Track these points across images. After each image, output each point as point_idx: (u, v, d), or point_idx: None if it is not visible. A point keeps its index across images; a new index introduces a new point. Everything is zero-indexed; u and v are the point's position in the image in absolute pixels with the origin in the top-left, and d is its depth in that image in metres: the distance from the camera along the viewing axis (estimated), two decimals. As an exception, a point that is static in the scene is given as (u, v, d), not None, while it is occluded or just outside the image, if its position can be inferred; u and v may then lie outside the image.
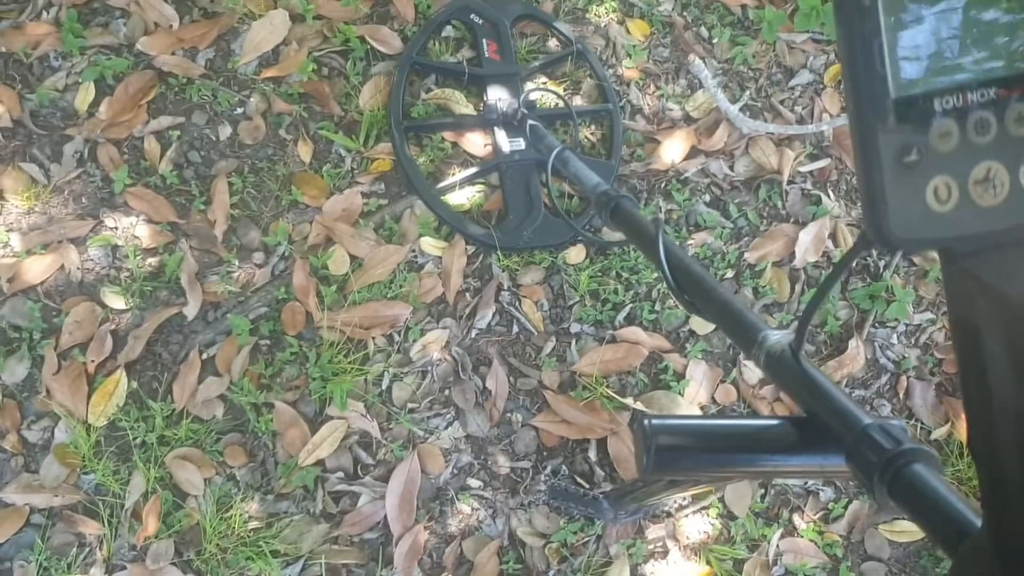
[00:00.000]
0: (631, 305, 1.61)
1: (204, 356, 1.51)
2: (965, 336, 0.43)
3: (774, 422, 0.68)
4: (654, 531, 1.47)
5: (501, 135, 1.67)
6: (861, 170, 0.40)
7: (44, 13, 1.69)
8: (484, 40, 1.76)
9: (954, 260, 0.41)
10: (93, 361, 1.47)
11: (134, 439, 1.44)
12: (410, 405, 1.52)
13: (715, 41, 1.87)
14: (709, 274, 0.84)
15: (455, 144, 1.70)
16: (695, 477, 0.76)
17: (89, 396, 1.45)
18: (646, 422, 0.63)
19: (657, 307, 1.62)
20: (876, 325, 1.64)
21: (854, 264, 1.68)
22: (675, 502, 1.48)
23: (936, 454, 0.56)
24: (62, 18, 1.67)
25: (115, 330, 1.51)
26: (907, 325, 1.65)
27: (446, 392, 1.54)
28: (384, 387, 1.52)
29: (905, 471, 0.54)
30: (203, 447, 1.45)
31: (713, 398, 1.57)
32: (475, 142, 1.71)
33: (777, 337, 0.70)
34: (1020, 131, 0.39)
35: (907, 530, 1.52)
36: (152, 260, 1.56)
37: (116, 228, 1.58)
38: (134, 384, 1.48)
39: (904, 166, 0.39)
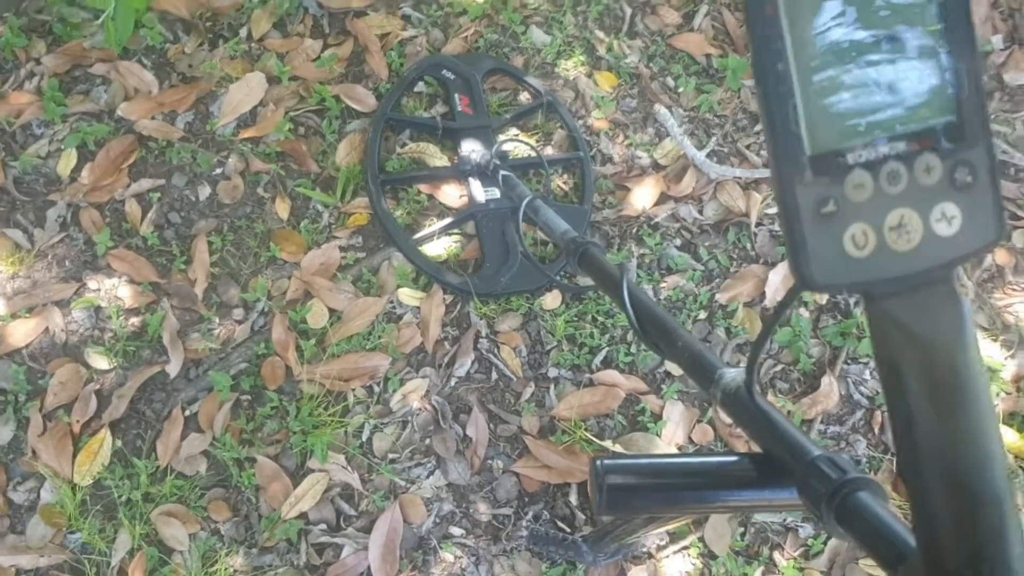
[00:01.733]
0: (607, 348, 1.64)
1: (187, 413, 1.52)
2: (887, 373, 0.46)
3: (728, 458, 0.71)
4: (635, 573, 1.48)
5: (476, 185, 1.72)
6: (783, 220, 0.43)
7: (26, 83, 1.73)
8: (456, 95, 1.81)
9: (874, 301, 0.44)
10: (78, 421, 1.49)
11: (119, 497, 1.45)
12: (391, 455, 1.54)
13: (681, 90, 1.92)
14: (671, 317, 0.87)
15: (431, 196, 1.74)
16: (650, 514, 0.78)
17: (74, 456, 1.47)
18: (597, 462, 0.65)
19: (633, 350, 1.64)
20: (848, 361, 1.66)
21: (822, 303, 1.72)
22: (655, 543, 1.50)
23: (879, 483, 0.58)
24: (44, 87, 1.72)
25: (99, 390, 1.53)
26: (879, 359, 1.67)
27: (427, 441, 1.56)
28: (365, 438, 1.54)
29: (851, 499, 0.56)
30: (187, 503, 1.46)
31: (690, 438, 1.59)
32: (450, 193, 1.75)
33: (733, 375, 0.73)
34: (929, 180, 0.42)
35: (889, 563, 1.53)
36: (135, 320, 1.59)
37: (99, 290, 1.60)
38: (119, 442, 1.49)
39: (822, 216, 0.42)
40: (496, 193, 1.70)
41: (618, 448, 1.56)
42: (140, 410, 1.52)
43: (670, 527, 1.44)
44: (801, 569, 1.52)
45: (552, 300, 1.66)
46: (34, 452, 1.47)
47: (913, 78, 0.42)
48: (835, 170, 0.41)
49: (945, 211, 0.42)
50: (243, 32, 1.86)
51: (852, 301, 1.72)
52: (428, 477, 1.53)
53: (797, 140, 0.41)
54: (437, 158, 1.77)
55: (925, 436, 0.44)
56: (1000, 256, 1.79)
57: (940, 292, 0.43)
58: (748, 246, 1.76)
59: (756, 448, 0.69)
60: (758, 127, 1.90)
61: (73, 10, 1.79)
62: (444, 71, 1.84)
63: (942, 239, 0.42)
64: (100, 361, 1.54)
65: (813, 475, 0.59)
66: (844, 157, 0.41)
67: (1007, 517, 0.44)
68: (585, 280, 1.66)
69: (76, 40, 1.77)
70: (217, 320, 1.60)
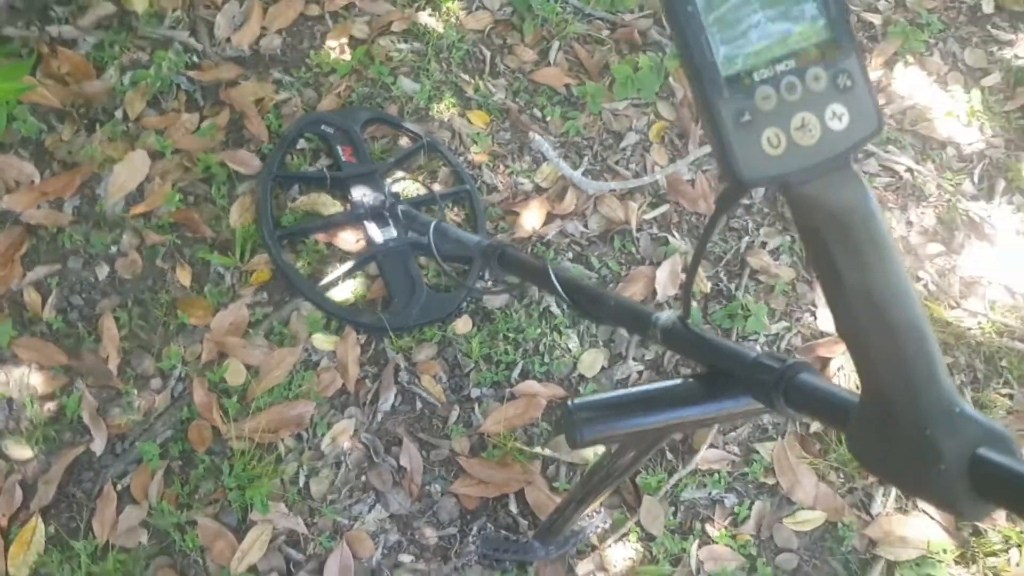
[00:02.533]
0: (522, 362, 1.72)
1: (118, 488, 1.51)
2: (813, 244, 0.56)
3: (681, 381, 0.80)
4: (583, 566, 1.55)
5: (372, 227, 1.78)
6: (711, 133, 0.53)
7: (-101, 188, 1.70)
8: (339, 146, 1.88)
9: (791, 187, 0.54)
10: (4, 515, 1.45)
11: (59, 584, 1.42)
12: (330, 496, 1.56)
13: (548, 119, 2.06)
14: (598, 285, 0.97)
15: (329, 244, 1.80)
16: (622, 440, 0.85)
17: (6, 549, 1.43)
18: (569, 403, 0.73)
19: (546, 359, 1.73)
20: (739, 339, 1.80)
21: (707, 292, 1.86)
22: (596, 534, 1.57)
23: (813, 365, 0.68)
24: (-81, 189, 1.69)
25: (22, 480, 1.49)
26: (766, 335, 1.82)
27: (363, 478, 1.59)
28: (302, 484, 1.56)
29: (795, 381, 0.66)
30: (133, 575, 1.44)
31: (612, 432, 1.68)
32: (348, 239, 1.81)
33: (667, 315, 0.83)
34: (819, 87, 0.53)
35: (808, 519, 1.65)
36: (50, 405, 1.57)
37: (7, 381, 1.58)
38: (52, 528, 1.46)
39: (741, 124, 0.52)
40: (393, 232, 1.78)
41: (548, 452, 1.63)
42: (70, 492, 1.50)
43: (602, 498, 1.52)
44: (733, 536, 1.62)
45: (463, 325, 1.74)
46: (-40, 555, 1.42)
47: (793, 9, 0.53)
48: (745, 87, 0.52)
49: (835, 111, 0.53)
50: (118, 114, 1.88)
51: (732, 286, 1.87)
52: (370, 512, 1.56)
53: (713, 66, 0.51)
54: (330, 207, 1.83)
55: (852, 287, 0.54)
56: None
57: (844, 174, 0.54)
58: (633, 250, 1.89)
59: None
60: (623, 144, 2.05)
61: (-61, 111, 1.78)
62: (323, 126, 1.91)
63: (836, 133, 0.53)
64: (20, 451, 1.51)
65: (757, 371, 0.69)
66: (751, 76, 0.52)
67: (929, 344, 0.54)
68: (492, 300, 1.75)
69: (-54, 140, 1.76)
70: (136, 392, 1.60)
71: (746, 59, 0.52)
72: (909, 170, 2.08)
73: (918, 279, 1.92)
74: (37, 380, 1.58)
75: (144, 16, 1.99)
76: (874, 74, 2.23)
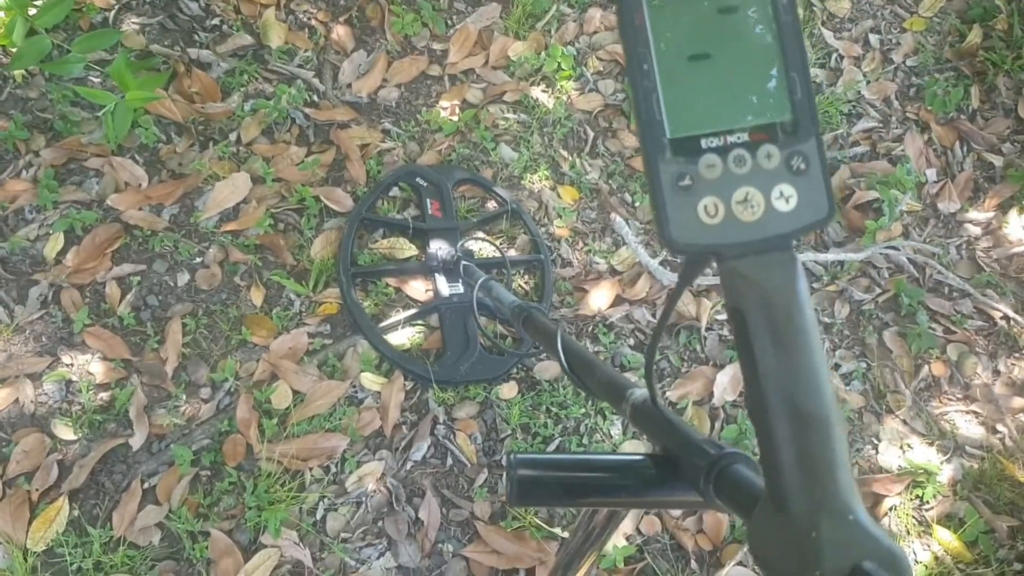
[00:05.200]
0: (560, 439, 1.70)
1: (145, 485, 1.56)
2: (736, 320, 0.54)
3: (633, 457, 0.77)
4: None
5: (441, 280, 1.82)
6: (650, 192, 0.52)
7: (24, 172, 1.85)
8: (428, 199, 1.94)
9: (724, 260, 0.53)
10: (37, 489, 1.52)
11: (71, 564, 1.47)
12: (343, 535, 1.57)
13: (637, 205, 2.06)
14: (598, 359, 0.96)
15: (398, 289, 1.84)
16: (556, 506, 0.82)
17: (30, 522, 1.49)
18: (511, 455, 0.72)
19: (585, 440, 1.70)
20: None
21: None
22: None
23: (750, 455, 0.65)
24: (39, 176, 1.83)
25: (62, 460, 1.56)
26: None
27: (379, 523, 1.59)
28: (319, 516, 1.57)
29: (727, 471, 0.63)
30: (137, 573, 1.48)
31: (639, 529, 1.63)
32: (417, 287, 1.84)
33: (640, 392, 0.81)
34: (769, 165, 0.51)
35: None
36: (104, 394, 1.64)
37: (72, 365, 1.67)
38: (76, 511, 1.52)
39: (680, 188, 0.51)
40: (460, 288, 1.80)
41: (567, 535, 1.59)
42: (100, 481, 1.56)
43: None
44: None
45: (509, 390, 1.73)
46: (-9, 518, 1.49)
47: (756, 82, 0.52)
48: (691, 152, 0.50)
49: (783, 191, 0.51)
50: (232, 136, 1.99)
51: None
52: (379, 558, 1.56)
53: (660, 126, 0.51)
54: (406, 254, 1.88)
55: (766, 371, 0.52)
56: (936, 367, 1.89)
57: (780, 256, 0.52)
58: (698, 348, 1.85)
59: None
60: (710, 241, 2.02)
61: (75, 109, 1.93)
62: (418, 178, 1.97)
63: (781, 214, 0.51)
64: (66, 432, 1.59)
65: (695, 456, 0.66)
66: (698, 142, 0.51)
67: (836, 444, 0.51)
68: (543, 372, 1.74)
69: (75, 136, 1.90)
70: (184, 398, 1.66)
71: (696, 124, 0.51)
72: (1006, 318, 1.97)
73: (995, 431, 1.80)
74: (98, 368, 1.66)
75: (277, 51, 2.13)
76: (984, 215, 2.15)
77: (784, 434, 0.52)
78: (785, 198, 0.51)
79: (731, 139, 0.51)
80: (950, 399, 1.86)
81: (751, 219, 0.51)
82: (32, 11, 1.82)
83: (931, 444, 1.79)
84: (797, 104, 0.52)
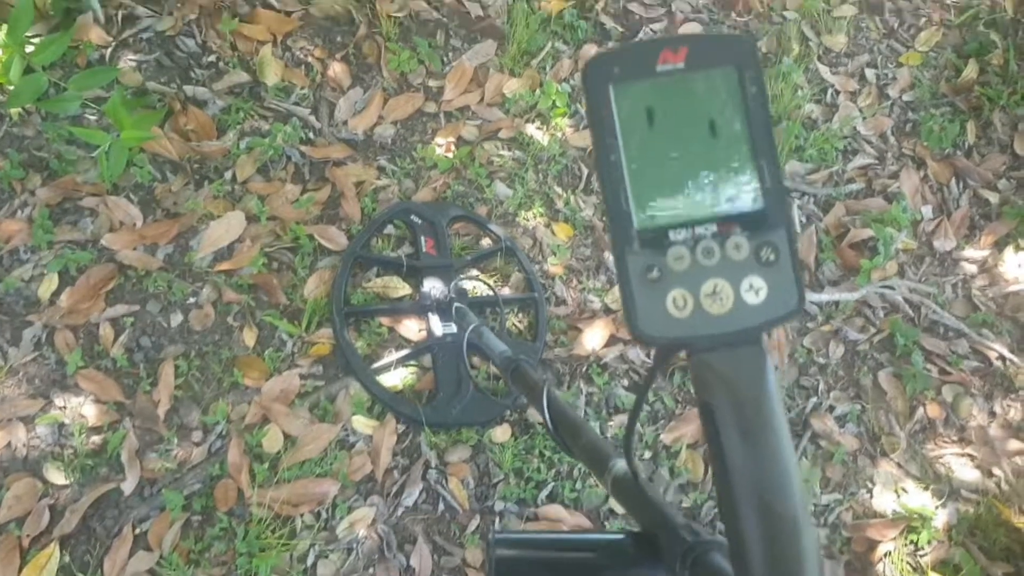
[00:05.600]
0: (553, 483, 1.69)
1: (137, 531, 1.55)
2: (705, 415, 0.53)
3: (614, 536, 0.76)
4: None
5: (435, 320, 1.81)
6: (619, 283, 0.51)
7: (19, 212, 1.85)
8: (423, 237, 1.94)
9: (693, 354, 0.52)
10: (28, 535, 1.52)
11: (58, 613, 1.47)
12: (335, 581, 1.56)
13: (633, 242, 2.05)
14: (584, 421, 0.95)
15: (392, 328, 1.84)
16: None
17: (20, 569, 1.48)
18: (491, 534, 0.72)
19: (578, 485, 1.70)
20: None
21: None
22: None
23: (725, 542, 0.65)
24: (35, 216, 1.83)
25: (53, 505, 1.56)
26: (815, 505, 1.73)
27: (371, 570, 1.58)
28: (309, 563, 1.57)
29: (703, 558, 0.63)
30: (126, 622, 1.47)
31: None
32: (411, 327, 1.84)
33: (624, 463, 0.80)
34: (738, 257, 0.51)
35: None
36: (96, 438, 1.64)
37: (64, 407, 1.66)
38: (67, 558, 1.52)
39: (648, 280, 0.50)
40: (453, 328, 1.80)
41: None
42: (91, 526, 1.55)
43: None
44: None
45: (502, 433, 1.73)
46: (-20, 565, 1.49)
47: (724, 172, 0.51)
48: (658, 243, 0.50)
49: (753, 283, 0.51)
50: (228, 175, 1.99)
51: (790, 446, 1.79)
52: (370, 605, 1.55)
53: (627, 217, 0.50)
54: (400, 293, 1.88)
55: (735, 467, 0.51)
56: (932, 409, 1.88)
57: (750, 350, 0.51)
58: (692, 390, 1.84)
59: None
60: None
61: (71, 148, 1.93)
62: (412, 216, 1.97)
63: (751, 306, 0.50)
64: (57, 476, 1.58)
65: (672, 540, 0.66)
66: (666, 233, 0.50)
67: (806, 542, 0.51)
68: (537, 415, 1.73)
69: (70, 175, 1.90)
70: (176, 441, 1.65)
71: (663, 216, 0.50)
72: (1002, 358, 1.96)
73: (991, 474, 1.79)
74: (90, 411, 1.66)
75: (273, 89, 2.13)
76: (980, 253, 2.14)
77: (753, 532, 0.51)
78: (755, 290, 0.51)
79: (699, 230, 0.50)
80: (945, 441, 1.85)
81: (720, 312, 0.50)
82: (29, 48, 1.83)
83: (926, 488, 1.78)
84: (766, 193, 0.51)
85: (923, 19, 2.62)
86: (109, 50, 2.08)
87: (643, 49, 0.51)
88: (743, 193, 0.51)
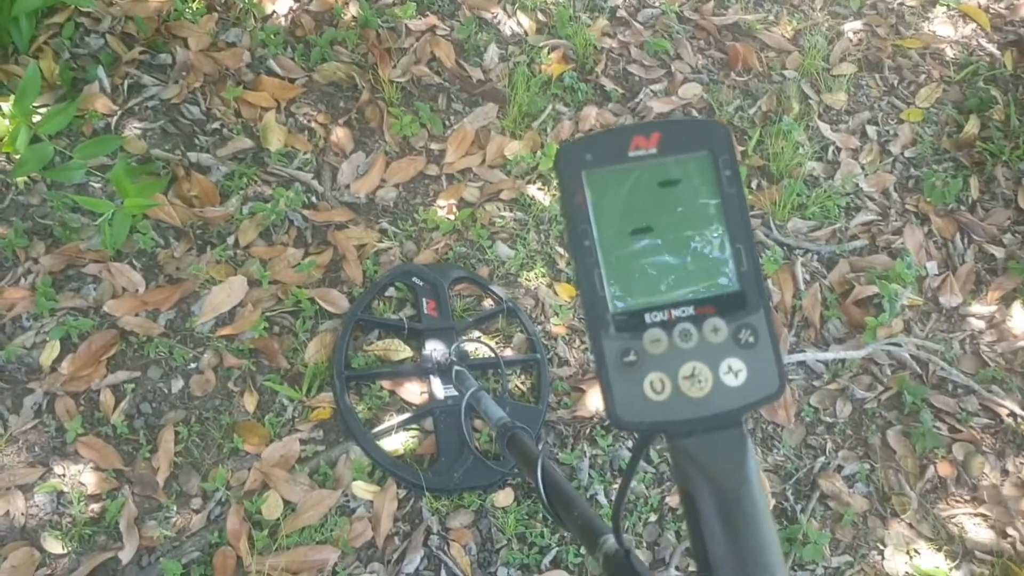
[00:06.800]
0: (557, 548, 1.66)
1: (132, 602, 1.53)
2: (685, 502, 0.52)
3: None
4: None
5: (436, 383, 1.80)
6: (596, 368, 0.51)
7: (22, 279, 1.86)
8: (424, 299, 1.94)
9: (672, 439, 0.51)
10: (21, 608, 1.50)
11: None
12: (334, 652, 1.52)
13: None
14: (577, 494, 0.94)
15: (392, 392, 1.83)
16: None
17: (12, 644, 1.46)
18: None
19: (582, 551, 1.66)
20: (794, 568, 1.68)
21: (773, 506, 1.75)
22: None
23: None
24: (38, 283, 1.84)
25: (51, 575, 1.54)
26: (825, 568, 1.69)
27: (372, 639, 1.55)
28: (309, 633, 1.54)
29: None
30: None
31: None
32: (412, 390, 1.83)
33: (616, 541, 0.78)
34: (716, 339, 0.50)
35: None
36: (95, 506, 1.62)
37: (64, 475, 1.65)
38: (58, 631, 1.49)
39: (625, 364, 0.49)
40: (454, 391, 1.78)
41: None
42: (87, 597, 1.53)
43: None
44: None
45: (504, 497, 1.70)
46: (-26, 639, 1.47)
47: (699, 256, 0.51)
48: (635, 327, 0.49)
49: (732, 365, 0.50)
50: (230, 240, 2.01)
51: (798, 508, 1.76)
52: (370, 677, 1.51)
53: (603, 301, 0.49)
54: (401, 356, 1.87)
55: (717, 556, 0.50)
56: (942, 468, 1.84)
57: (730, 434, 0.50)
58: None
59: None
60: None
61: (75, 216, 1.95)
62: (414, 278, 1.98)
63: (730, 389, 0.49)
64: (55, 546, 1.57)
65: None
66: (642, 316, 0.49)
67: None
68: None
69: (74, 243, 1.92)
70: (175, 508, 1.64)
71: (639, 299, 0.50)
72: (1012, 415, 1.93)
73: (1005, 535, 1.75)
74: (90, 479, 1.64)
75: (276, 154, 2.16)
76: (988, 309, 2.13)
77: None
78: (734, 372, 0.50)
79: (676, 313, 0.50)
80: (957, 501, 1.81)
81: (699, 395, 0.49)
82: (36, 118, 1.86)
83: (939, 549, 1.73)
84: (743, 275, 0.51)
85: (923, 76, 2.64)
86: (115, 118, 2.11)
87: (615, 135, 0.51)
88: (720, 276, 0.51)
